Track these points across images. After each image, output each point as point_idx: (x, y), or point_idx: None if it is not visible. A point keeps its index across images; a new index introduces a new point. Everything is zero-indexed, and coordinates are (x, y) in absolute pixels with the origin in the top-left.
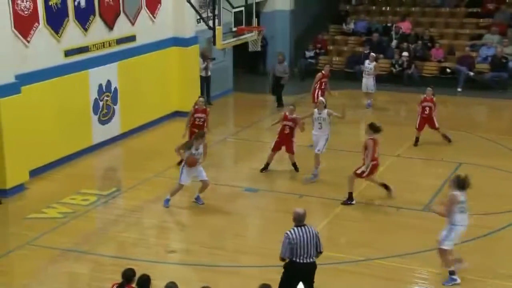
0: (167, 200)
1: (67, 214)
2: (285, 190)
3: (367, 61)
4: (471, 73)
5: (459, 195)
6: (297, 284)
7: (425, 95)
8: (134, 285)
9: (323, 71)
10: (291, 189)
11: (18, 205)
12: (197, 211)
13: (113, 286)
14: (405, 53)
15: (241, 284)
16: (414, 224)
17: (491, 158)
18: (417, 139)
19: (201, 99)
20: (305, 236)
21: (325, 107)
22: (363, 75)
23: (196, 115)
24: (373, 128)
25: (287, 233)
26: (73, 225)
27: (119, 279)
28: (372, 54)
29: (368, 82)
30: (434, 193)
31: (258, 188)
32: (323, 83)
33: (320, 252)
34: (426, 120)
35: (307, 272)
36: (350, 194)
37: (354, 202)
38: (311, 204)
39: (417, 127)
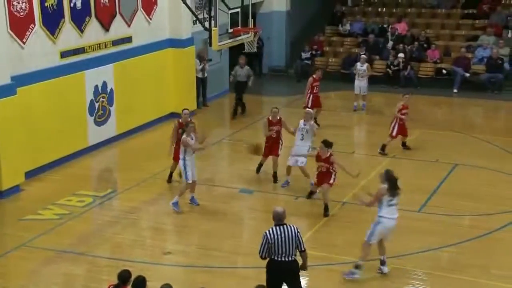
0: (176, 203)
1: (63, 216)
2: (281, 192)
3: (358, 64)
4: (467, 74)
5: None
6: (280, 283)
7: (403, 102)
8: (129, 286)
9: (314, 76)
10: (286, 191)
11: (14, 206)
12: (193, 213)
13: (109, 287)
14: (401, 54)
15: (237, 285)
16: (409, 225)
17: (486, 159)
18: (403, 144)
19: (185, 111)
20: (283, 235)
21: (311, 118)
22: (356, 77)
23: (181, 130)
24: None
25: (265, 233)
26: (69, 227)
27: (115, 280)
28: (363, 55)
29: (361, 84)
30: (429, 194)
31: (254, 190)
32: (315, 87)
33: (303, 251)
34: (403, 127)
35: (288, 271)
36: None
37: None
38: (306, 205)
39: (394, 134)
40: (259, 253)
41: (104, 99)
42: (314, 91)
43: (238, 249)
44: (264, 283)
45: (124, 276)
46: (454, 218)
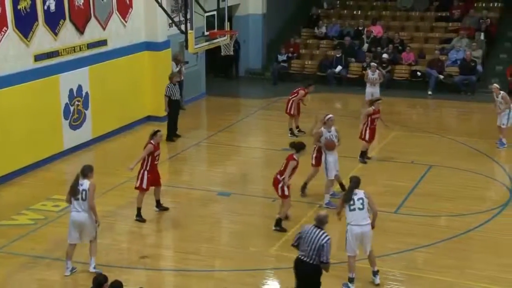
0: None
1: (38, 221)
2: (258, 194)
3: (369, 72)
4: (441, 76)
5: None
6: (296, 278)
7: (373, 107)
8: None
9: (306, 90)
10: (264, 193)
11: None
12: (170, 216)
13: None
14: (385, 55)
15: None
16: (386, 226)
17: (461, 160)
18: (366, 152)
19: (160, 133)
20: (312, 236)
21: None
22: (368, 85)
23: (156, 152)
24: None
25: (303, 225)
26: (44, 232)
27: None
28: (373, 63)
29: (373, 90)
30: (405, 195)
31: (231, 192)
32: (302, 99)
33: (324, 263)
34: (373, 131)
35: (301, 271)
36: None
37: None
38: None
39: (367, 139)
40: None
41: (79, 103)
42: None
43: (215, 253)
44: (242, 286)
45: (100, 280)
46: (429, 218)
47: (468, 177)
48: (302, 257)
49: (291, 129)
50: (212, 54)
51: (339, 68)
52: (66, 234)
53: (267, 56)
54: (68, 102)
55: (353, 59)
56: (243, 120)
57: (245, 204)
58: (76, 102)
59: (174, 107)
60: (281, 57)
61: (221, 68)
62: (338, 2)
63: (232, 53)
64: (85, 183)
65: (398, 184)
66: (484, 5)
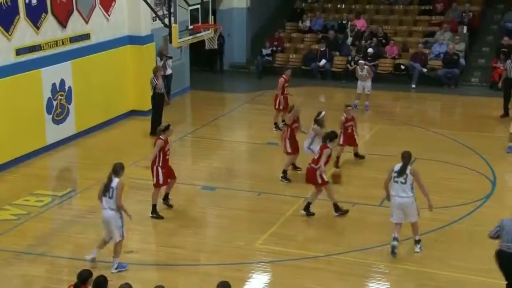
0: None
1: (20, 216)
2: (243, 188)
3: (358, 69)
4: (425, 70)
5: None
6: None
7: (345, 115)
8: (90, 286)
9: (284, 76)
10: (249, 187)
11: None
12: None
13: (68, 287)
14: (370, 50)
15: (200, 282)
16: (371, 219)
17: (444, 153)
18: (355, 154)
19: (171, 127)
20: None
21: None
22: (359, 80)
23: (167, 147)
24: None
25: (502, 219)
26: (27, 227)
27: (75, 280)
28: (361, 61)
29: (365, 84)
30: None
31: (216, 186)
32: (286, 88)
33: None
34: (351, 135)
35: (507, 261)
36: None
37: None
38: (269, 201)
39: (342, 143)
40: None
41: (62, 97)
42: (285, 92)
43: (201, 247)
44: (227, 280)
45: (83, 275)
46: None
47: (451, 170)
48: (506, 248)
49: (276, 123)
50: (197, 48)
51: (323, 61)
52: (49, 230)
53: (251, 50)
54: (51, 97)
55: (337, 53)
56: (227, 114)
57: (230, 198)
58: (59, 97)
59: (158, 100)
60: (265, 51)
61: (205, 62)
62: None
63: (216, 47)
64: (114, 181)
65: (382, 177)
66: None
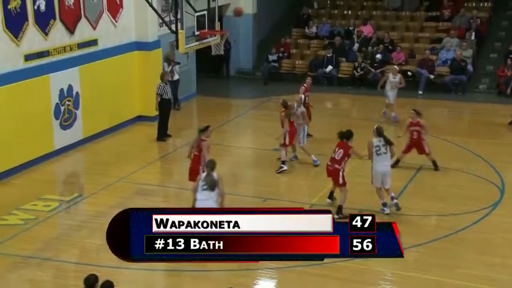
0: None
1: (28, 221)
2: (248, 194)
3: (391, 75)
4: (432, 76)
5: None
6: None
7: (410, 119)
8: None
9: (305, 84)
10: (255, 193)
11: None
12: None
13: None
14: (378, 56)
15: None
16: None
17: (451, 160)
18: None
19: (210, 127)
20: None
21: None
22: (390, 88)
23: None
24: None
25: None
26: (35, 232)
27: (82, 285)
28: (395, 67)
29: (393, 93)
30: (397, 194)
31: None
32: (307, 97)
33: None
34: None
35: None
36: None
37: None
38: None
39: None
40: None
41: (70, 103)
42: (307, 101)
43: None
44: (235, 286)
45: (90, 280)
46: (420, 218)
47: (459, 177)
48: None
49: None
50: (203, 54)
51: (329, 68)
52: (56, 234)
53: (257, 56)
54: (59, 102)
55: (343, 59)
56: (233, 120)
57: (235, 204)
58: (67, 102)
59: (165, 106)
60: (271, 57)
61: (211, 68)
62: (328, 2)
63: (222, 53)
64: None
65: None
66: (474, 4)
